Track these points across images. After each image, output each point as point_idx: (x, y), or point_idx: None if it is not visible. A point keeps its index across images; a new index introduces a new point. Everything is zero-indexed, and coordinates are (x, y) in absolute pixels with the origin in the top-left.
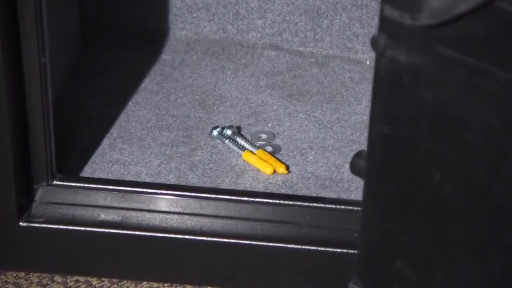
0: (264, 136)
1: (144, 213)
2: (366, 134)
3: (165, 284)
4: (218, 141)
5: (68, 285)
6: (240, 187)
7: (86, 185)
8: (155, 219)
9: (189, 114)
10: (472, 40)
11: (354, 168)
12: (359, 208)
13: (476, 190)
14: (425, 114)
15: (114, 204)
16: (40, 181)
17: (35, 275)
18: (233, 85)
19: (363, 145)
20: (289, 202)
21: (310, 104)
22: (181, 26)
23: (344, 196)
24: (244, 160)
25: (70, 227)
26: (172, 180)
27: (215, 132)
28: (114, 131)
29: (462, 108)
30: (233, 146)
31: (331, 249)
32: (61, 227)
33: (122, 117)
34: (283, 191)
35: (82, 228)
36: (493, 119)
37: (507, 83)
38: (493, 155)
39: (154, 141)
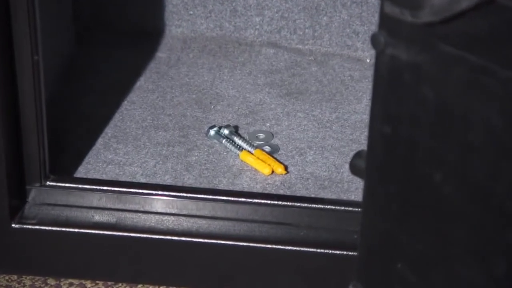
0: (262, 135)
1: (140, 214)
2: (366, 133)
3: (161, 287)
4: (215, 140)
5: None
6: (237, 188)
7: (80, 185)
8: (151, 221)
9: (185, 113)
10: (473, 38)
11: (354, 168)
12: (359, 209)
13: (478, 190)
14: (426, 113)
15: (109, 205)
16: (33, 181)
17: (28, 278)
18: (230, 83)
19: (363, 145)
20: (288, 203)
21: (309, 103)
22: (177, 23)
23: (343, 197)
24: (242, 160)
25: (63, 229)
26: (168, 180)
27: (212, 132)
28: (109, 130)
29: (464, 107)
30: (231, 146)
31: (330, 251)
32: (54, 228)
33: (117, 116)
34: (281, 192)
35: (76, 230)
36: (495, 118)
37: (510, 81)
38: (495, 155)
39: (150, 141)
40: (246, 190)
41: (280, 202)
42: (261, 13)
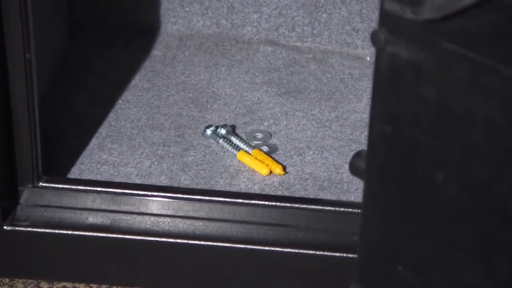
0: (260, 135)
1: (135, 216)
2: (366, 133)
3: None
4: (212, 140)
5: None
6: (234, 189)
7: (73, 186)
8: (146, 222)
9: (181, 112)
10: (475, 35)
11: (354, 169)
12: (359, 211)
13: (480, 190)
14: (427, 112)
15: (103, 207)
16: (26, 183)
17: (20, 281)
18: (227, 82)
19: (363, 145)
20: (286, 204)
21: (308, 102)
22: (173, 20)
23: (343, 197)
24: (239, 161)
25: (57, 231)
26: (163, 181)
27: (208, 131)
28: (103, 130)
29: (466, 105)
30: (228, 146)
31: (329, 253)
32: (47, 231)
33: (112, 115)
34: (279, 193)
35: (69, 232)
36: (497, 117)
37: None
38: (497, 155)
39: (145, 141)
40: (243, 191)
41: (278, 203)
42: (258, 10)
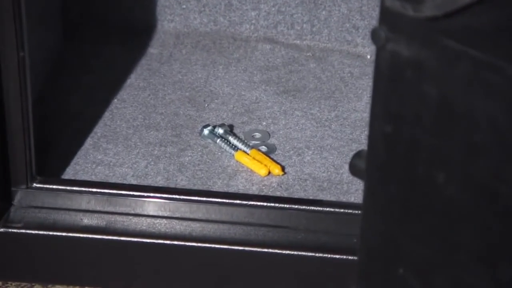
0: (258, 135)
1: (130, 217)
2: (366, 132)
3: None
4: (209, 140)
5: None
6: (232, 190)
7: (68, 187)
8: (142, 224)
9: (178, 112)
10: (478, 33)
11: (354, 169)
12: (359, 212)
13: (483, 191)
14: (429, 111)
15: (98, 208)
16: (19, 183)
17: (13, 284)
18: (225, 80)
19: (363, 144)
20: (285, 206)
21: (307, 101)
22: (170, 18)
23: (343, 198)
24: (237, 161)
25: (51, 233)
26: (160, 182)
27: (206, 131)
28: (98, 130)
29: (468, 104)
30: (225, 146)
31: (329, 255)
32: (41, 232)
33: (107, 115)
34: (278, 194)
35: (64, 234)
36: (500, 116)
37: None
38: (500, 154)
39: (141, 141)
40: (241, 191)
41: (277, 204)
42: (257, 7)
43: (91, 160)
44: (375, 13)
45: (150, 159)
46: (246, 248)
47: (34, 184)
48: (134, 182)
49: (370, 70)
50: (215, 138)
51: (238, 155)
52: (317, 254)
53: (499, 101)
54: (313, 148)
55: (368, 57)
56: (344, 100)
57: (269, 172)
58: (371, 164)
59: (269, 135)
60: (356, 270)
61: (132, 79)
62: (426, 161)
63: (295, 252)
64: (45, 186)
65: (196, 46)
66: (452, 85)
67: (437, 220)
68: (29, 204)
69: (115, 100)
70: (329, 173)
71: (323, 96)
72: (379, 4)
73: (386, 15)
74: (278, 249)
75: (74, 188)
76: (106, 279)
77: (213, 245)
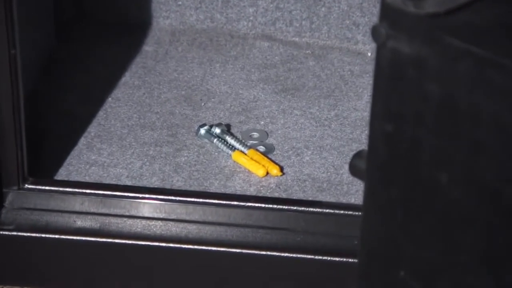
0: (256, 134)
1: (125, 219)
2: (366, 132)
3: None
4: (206, 140)
5: None
6: (229, 191)
7: (61, 189)
8: (137, 226)
9: (174, 111)
10: (480, 30)
11: (354, 169)
12: (359, 213)
13: (487, 192)
14: (430, 110)
15: (92, 210)
16: (11, 184)
17: (5, 287)
18: (222, 79)
19: (363, 144)
20: (283, 207)
21: (306, 100)
22: (165, 14)
23: (343, 200)
24: (234, 161)
25: (43, 235)
26: (155, 183)
27: (202, 131)
28: (92, 129)
29: (471, 103)
30: (222, 145)
31: (329, 258)
32: (33, 235)
33: (101, 114)
34: (276, 195)
35: (56, 236)
36: (504, 114)
37: None
38: (505, 154)
39: (136, 141)
40: (239, 193)
41: (275, 206)
42: (255, 4)
43: (84, 160)
44: (376, 10)
45: (145, 159)
46: (244, 251)
47: (26, 185)
48: (128, 183)
49: (370, 68)
50: (212, 138)
51: (236, 155)
52: (316, 257)
53: (503, 100)
54: (312, 148)
55: (369, 54)
56: (344, 98)
57: (267, 173)
58: (371, 164)
59: (267, 135)
60: (356, 273)
61: (127, 78)
62: (428, 161)
63: (294, 255)
64: (37, 187)
65: (193, 44)
66: (455, 83)
67: (439, 221)
68: (21, 205)
69: (109, 99)
70: (328, 173)
71: (322, 94)
72: (380, 0)
73: (387, 12)
74: (277, 251)
75: (67, 189)
76: (100, 283)
77: (210, 248)
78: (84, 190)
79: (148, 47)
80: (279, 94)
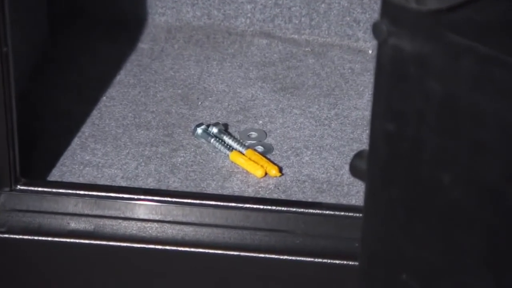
0: (254, 134)
1: (120, 221)
2: (367, 131)
3: None
4: (203, 140)
5: None
6: (227, 192)
7: (54, 190)
8: (132, 228)
9: (170, 110)
10: (484, 26)
11: (355, 170)
12: (360, 215)
13: (490, 193)
14: (433, 108)
15: (86, 211)
16: (2, 185)
17: None
18: (219, 77)
19: (364, 144)
20: (282, 208)
21: (306, 99)
22: (161, 11)
23: (343, 201)
24: (232, 162)
25: (36, 237)
26: (151, 184)
27: (199, 130)
28: (86, 129)
29: (474, 102)
30: (220, 145)
31: (329, 261)
32: (26, 237)
33: (95, 113)
34: (275, 196)
35: (49, 239)
36: (508, 113)
37: None
38: (509, 154)
39: (131, 141)
40: (236, 194)
41: (274, 207)
42: (253, 0)
43: (78, 161)
44: (377, 6)
45: (141, 159)
46: (242, 253)
47: (18, 186)
48: (123, 184)
49: (371, 66)
50: (209, 138)
51: (233, 156)
52: (316, 260)
53: (506, 98)
54: (312, 148)
55: (370, 52)
56: (345, 97)
57: (266, 173)
58: (372, 164)
59: (266, 135)
60: (357, 276)
61: (122, 76)
62: (430, 161)
63: (293, 258)
64: (29, 188)
65: (189, 41)
66: (457, 82)
67: (442, 223)
68: (13, 207)
69: (104, 97)
70: (328, 174)
71: (322, 93)
72: None
73: (388, 8)
74: (275, 254)
75: (61, 191)
76: (95, 286)
77: (206, 250)
78: (78, 191)
79: (143, 45)
80: (278, 92)
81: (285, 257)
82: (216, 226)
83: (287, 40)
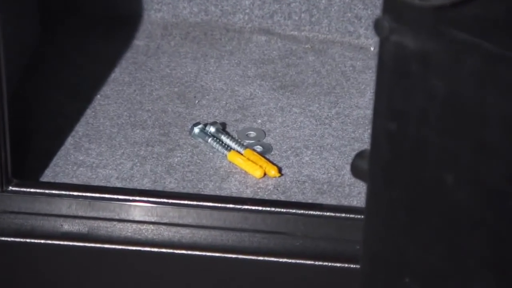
0: (252, 133)
1: (115, 223)
2: (369, 131)
3: None
4: (200, 139)
5: None
6: (225, 193)
7: (47, 191)
8: (127, 230)
9: (166, 109)
10: (489, 23)
11: (356, 170)
12: (362, 216)
13: (495, 194)
14: (436, 107)
15: (80, 213)
16: None
17: None
18: (217, 75)
19: (366, 144)
20: (282, 210)
21: (306, 97)
22: (157, 7)
23: (344, 202)
24: (230, 162)
25: (28, 240)
26: (146, 184)
27: (196, 130)
28: (80, 128)
29: (479, 100)
30: (217, 145)
31: (329, 264)
32: (18, 239)
33: (89, 112)
34: (274, 197)
35: (42, 241)
36: None
37: None
38: None
39: (126, 140)
40: (234, 195)
41: (273, 209)
42: None
43: (72, 161)
44: (379, 2)
45: (136, 160)
46: (240, 256)
47: (10, 187)
48: (118, 185)
49: (373, 63)
50: (206, 137)
51: (231, 156)
52: (316, 263)
53: None
54: (312, 148)
55: (372, 49)
56: (346, 96)
57: (265, 174)
58: (374, 165)
59: (265, 134)
60: (359, 279)
61: (117, 74)
62: (433, 161)
63: (293, 260)
64: (22, 189)
65: (186, 38)
66: (461, 80)
67: (445, 225)
68: (5, 209)
69: (98, 96)
70: (329, 174)
71: (323, 91)
72: None
73: (391, 4)
74: (275, 257)
75: (54, 192)
76: None
77: (204, 253)
78: (71, 193)
79: (139, 42)
80: (277, 91)
81: (285, 260)
82: (214, 228)
83: (286, 37)
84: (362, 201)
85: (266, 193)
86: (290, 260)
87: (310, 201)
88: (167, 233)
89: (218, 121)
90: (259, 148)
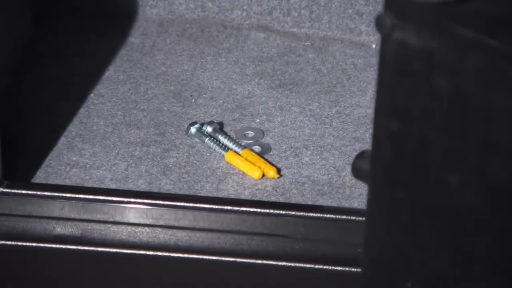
0: (251, 133)
1: (109, 225)
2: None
3: None
4: (197, 139)
5: None
6: (222, 194)
7: (39, 192)
8: (122, 233)
9: (162, 108)
10: (495, 20)
11: (357, 171)
12: (363, 218)
13: (501, 196)
14: (440, 106)
15: (73, 215)
16: None
17: None
18: (214, 73)
19: (367, 144)
20: (281, 212)
21: (306, 96)
22: (152, 3)
23: (345, 204)
24: (228, 162)
25: (19, 243)
26: (142, 186)
27: (193, 129)
28: (73, 128)
29: (484, 99)
30: (214, 145)
31: (330, 267)
32: (9, 242)
33: (82, 111)
34: (273, 199)
35: (34, 244)
36: None
37: None
38: None
39: (121, 140)
40: (232, 196)
41: (272, 211)
42: None
43: (64, 161)
44: None
45: (131, 160)
46: (238, 259)
47: (1, 189)
48: (113, 186)
49: (375, 61)
50: (203, 137)
51: (229, 156)
52: (316, 266)
53: None
54: (312, 148)
55: (373, 46)
56: (347, 94)
57: (263, 175)
58: (376, 165)
59: (263, 134)
60: (360, 283)
61: (111, 72)
62: (437, 162)
63: (292, 264)
64: (13, 191)
65: (182, 35)
66: (466, 78)
67: (449, 227)
68: None
69: (92, 95)
70: (329, 175)
71: (323, 90)
72: None
73: (393, 0)
74: (274, 260)
75: (46, 193)
76: None
77: (201, 256)
78: (64, 194)
79: (133, 39)
80: (276, 89)
81: (284, 263)
82: (211, 230)
83: (285, 33)
84: (363, 203)
85: (265, 195)
86: (289, 264)
87: (310, 202)
88: (162, 235)
89: (215, 121)
90: (257, 148)
